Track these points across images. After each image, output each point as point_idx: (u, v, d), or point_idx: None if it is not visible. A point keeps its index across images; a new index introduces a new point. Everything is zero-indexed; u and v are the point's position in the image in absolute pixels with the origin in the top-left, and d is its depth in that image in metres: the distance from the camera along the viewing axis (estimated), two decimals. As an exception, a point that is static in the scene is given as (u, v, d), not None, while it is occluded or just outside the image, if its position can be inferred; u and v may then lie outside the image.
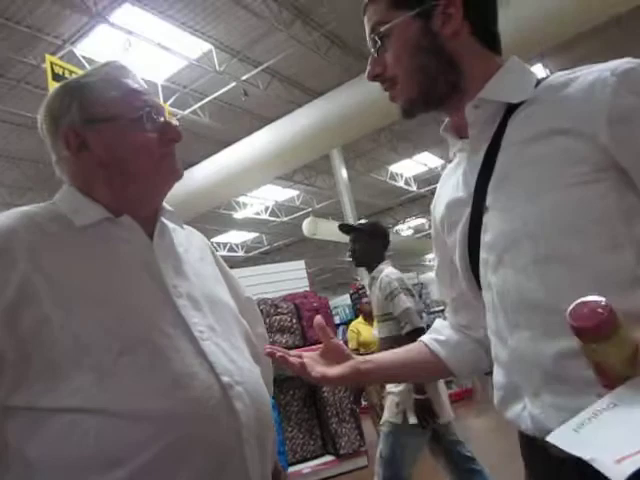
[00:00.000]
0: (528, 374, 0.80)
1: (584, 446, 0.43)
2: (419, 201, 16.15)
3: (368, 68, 0.93)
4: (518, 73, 0.88)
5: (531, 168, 0.79)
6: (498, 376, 0.88)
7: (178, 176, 0.99)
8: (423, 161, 13.52)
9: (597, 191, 0.74)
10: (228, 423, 0.83)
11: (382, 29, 0.88)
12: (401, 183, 14.27)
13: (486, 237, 0.85)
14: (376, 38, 0.89)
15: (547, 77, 0.85)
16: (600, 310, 0.52)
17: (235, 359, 0.91)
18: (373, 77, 0.93)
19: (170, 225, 1.03)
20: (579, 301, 0.55)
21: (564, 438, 0.46)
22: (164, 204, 1.03)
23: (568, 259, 0.74)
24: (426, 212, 17.32)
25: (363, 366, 0.95)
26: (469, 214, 0.88)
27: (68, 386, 0.77)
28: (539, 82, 0.85)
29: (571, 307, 0.55)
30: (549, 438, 0.51)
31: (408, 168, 13.84)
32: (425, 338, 1.08)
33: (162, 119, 0.97)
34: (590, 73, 0.77)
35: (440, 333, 1.07)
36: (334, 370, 0.92)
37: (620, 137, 0.72)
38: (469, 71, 0.87)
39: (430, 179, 14.61)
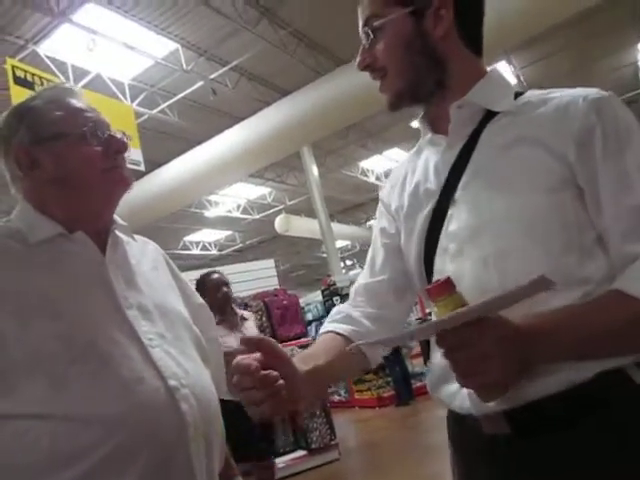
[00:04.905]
0: None
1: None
2: (390, 196, 16.24)
3: (358, 58, 0.96)
4: (501, 84, 0.96)
5: (505, 170, 0.86)
6: (438, 358, 0.90)
7: (126, 185, 1.05)
8: (393, 157, 13.65)
9: (562, 200, 0.82)
10: (173, 423, 0.90)
11: (376, 23, 0.92)
12: (372, 179, 14.40)
13: (450, 227, 0.90)
14: (369, 30, 0.93)
15: (524, 92, 0.93)
16: (440, 281, 0.72)
17: (183, 363, 0.97)
18: (363, 67, 0.97)
19: (124, 238, 1.09)
20: None
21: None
22: (116, 218, 1.08)
23: (525, 256, 0.81)
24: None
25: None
26: (434, 204, 0.93)
27: (22, 394, 0.83)
28: (516, 95, 0.93)
29: None
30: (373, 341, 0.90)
31: (379, 164, 13.98)
32: (344, 330, 0.98)
33: (107, 133, 1.03)
34: (564, 96, 0.86)
35: (359, 324, 1.00)
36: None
37: (582, 159, 0.81)
38: (455, 71, 0.93)
39: (400, 174, 14.72)
